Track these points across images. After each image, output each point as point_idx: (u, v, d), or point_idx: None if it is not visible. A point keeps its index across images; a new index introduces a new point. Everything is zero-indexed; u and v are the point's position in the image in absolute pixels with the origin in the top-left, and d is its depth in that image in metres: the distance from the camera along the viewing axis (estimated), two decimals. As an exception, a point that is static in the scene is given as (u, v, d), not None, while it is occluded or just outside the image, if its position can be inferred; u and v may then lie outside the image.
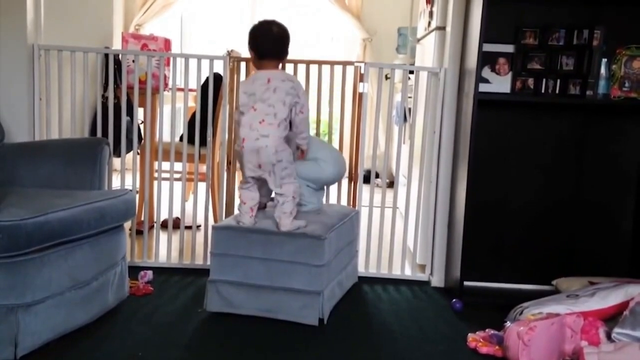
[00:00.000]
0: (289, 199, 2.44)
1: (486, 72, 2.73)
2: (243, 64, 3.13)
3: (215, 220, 3.50)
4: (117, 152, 3.22)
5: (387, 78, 4.73)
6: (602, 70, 2.65)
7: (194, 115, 3.16)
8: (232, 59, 3.07)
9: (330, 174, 2.73)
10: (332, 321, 2.44)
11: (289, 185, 2.45)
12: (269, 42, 2.51)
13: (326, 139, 3.21)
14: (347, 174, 2.97)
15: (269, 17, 2.62)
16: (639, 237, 2.92)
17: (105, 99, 3.21)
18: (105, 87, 3.26)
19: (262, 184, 2.53)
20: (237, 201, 2.70)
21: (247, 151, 2.42)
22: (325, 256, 2.40)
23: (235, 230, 2.45)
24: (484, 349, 2.23)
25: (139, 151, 3.47)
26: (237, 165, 3.28)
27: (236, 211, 2.70)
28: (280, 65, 2.57)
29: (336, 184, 2.95)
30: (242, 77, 3.14)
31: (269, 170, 2.43)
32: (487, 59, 2.69)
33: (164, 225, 3.28)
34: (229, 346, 2.20)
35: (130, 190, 2.55)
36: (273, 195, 2.61)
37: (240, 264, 2.43)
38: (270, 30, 2.53)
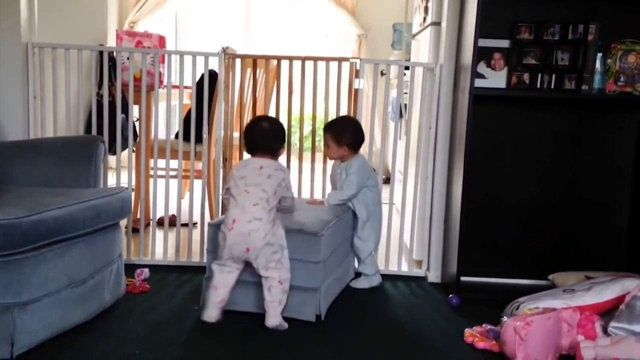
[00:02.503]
0: (275, 283, 2.30)
1: (481, 68, 2.72)
2: (238, 61, 3.12)
3: (212, 218, 3.50)
4: (112, 150, 3.21)
5: (382, 74, 4.72)
6: (598, 64, 2.66)
7: (189, 112, 3.15)
8: (228, 56, 3.06)
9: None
10: (329, 317, 2.44)
11: (275, 270, 2.30)
12: (258, 137, 2.49)
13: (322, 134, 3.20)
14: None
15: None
16: (634, 232, 2.92)
17: (100, 97, 3.20)
18: (99, 85, 3.25)
19: (244, 268, 2.38)
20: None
21: (237, 233, 2.28)
22: (322, 253, 2.40)
23: None
24: (480, 344, 2.23)
25: (134, 149, 3.47)
26: (233, 163, 3.28)
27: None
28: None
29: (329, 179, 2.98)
30: (237, 74, 3.13)
31: (255, 255, 2.29)
32: (482, 54, 2.69)
33: (160, 222, 3.27)
34: (226, 343, 2.20)
35: (126, 188, 2.55)
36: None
37: None
38: (259, 125, 2.54)
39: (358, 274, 2.94)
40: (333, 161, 2.93)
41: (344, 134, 2.81)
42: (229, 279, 2.35)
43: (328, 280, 2.51)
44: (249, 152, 2.51)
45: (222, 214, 3.03)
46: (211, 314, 2.33)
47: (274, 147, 2.48)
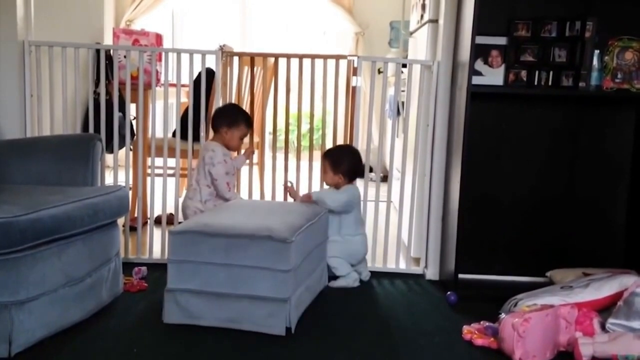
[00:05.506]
0: None
1: (479, 65, 2.72)
2: (235, 59, 3.12)
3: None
4: (109, 149, 3.21)
5: (380, 72, 4.72)
6: (595, 61, 2.66)
7: (186, 110, 3.14)
8: (225, 54, 3.05)
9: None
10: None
11: None
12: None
13: (320, 133, 3.20)
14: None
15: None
16: (632, 229, 2.93)
17: (97, 95, 3.19)
18: (96, 83, 3.24)
19: None
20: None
21: (181, 207, 2.95)
22: (292, 260, 2.21)
23: (194, 234, 2.25)
24: (479, 341, 2.23)
25: (131, 147, 3.46)
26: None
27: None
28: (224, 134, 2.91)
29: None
30: (235, 71, 3.13)
31: None
32: (479, 52, 2.69)
33: (158, 221, 3.27)
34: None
35: (124, 187, 2.54)
36: None
37: (200, 270, 2.25)
38: None
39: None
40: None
41: (342, 163, 2.88)
42: None
43: (299, 290, 2.33)
44: None
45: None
46: None
47: (215, 127, 2.92)
